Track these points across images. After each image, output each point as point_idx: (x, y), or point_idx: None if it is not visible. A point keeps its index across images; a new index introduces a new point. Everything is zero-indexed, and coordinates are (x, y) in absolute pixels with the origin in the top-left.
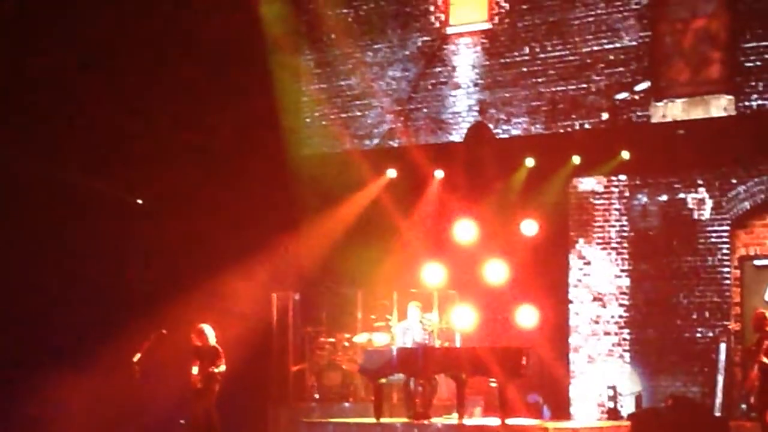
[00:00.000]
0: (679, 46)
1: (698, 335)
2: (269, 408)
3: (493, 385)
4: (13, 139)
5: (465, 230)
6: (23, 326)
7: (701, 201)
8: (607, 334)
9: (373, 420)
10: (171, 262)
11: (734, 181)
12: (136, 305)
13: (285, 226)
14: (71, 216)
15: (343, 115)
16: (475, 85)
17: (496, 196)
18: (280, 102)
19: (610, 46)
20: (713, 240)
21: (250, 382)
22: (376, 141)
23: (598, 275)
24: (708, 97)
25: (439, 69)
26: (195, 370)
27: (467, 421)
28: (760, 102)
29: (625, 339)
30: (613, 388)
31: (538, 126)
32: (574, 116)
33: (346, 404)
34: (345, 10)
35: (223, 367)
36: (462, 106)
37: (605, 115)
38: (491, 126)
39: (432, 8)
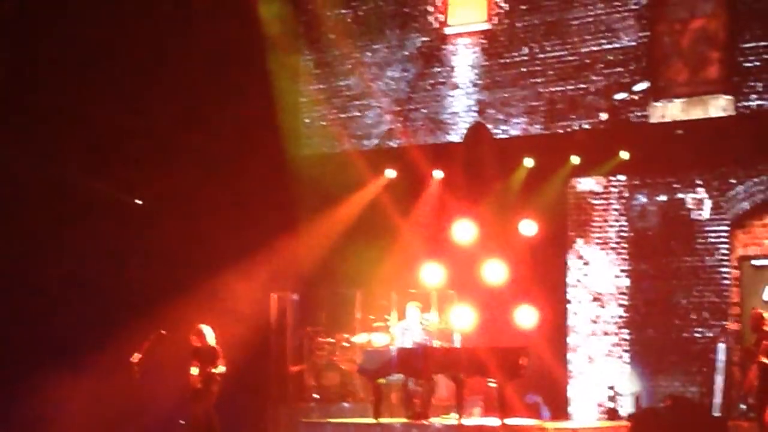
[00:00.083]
0: (677, 46)
1: (697, 335)
2: (268, 408)
3: (492, 385)
4: (13, 139)
5: (464, 230)
6: (23, 326)
7: (700, 201)
8: (606, 334)
9: (372, 420)
10: (170, 262)
11: (733, 181)
12: (135, 305)
13: (284, 226)
14: (71, 216)
15: (342, 116)
16: (474, 85)
17: (495, 196)
18: (279, 102)
19: (609, 46)
20: (712, 240)
21: (250, 383)
22: (375, 141)
23: (597, 275)
24: (707, 98)
25: (438, 69)
26: (194, 370)
27: (466, 422)
28: (759, 102)
29: (624, 339)
30: (612, 388)
31: (537, 126)
32: (573, 116)
33: (345, 404)
34: (344, 11)
35: (222, 368)
36: (461, 107)
37: (604, 116)
38: (490, 126)
39: (431, 9)
